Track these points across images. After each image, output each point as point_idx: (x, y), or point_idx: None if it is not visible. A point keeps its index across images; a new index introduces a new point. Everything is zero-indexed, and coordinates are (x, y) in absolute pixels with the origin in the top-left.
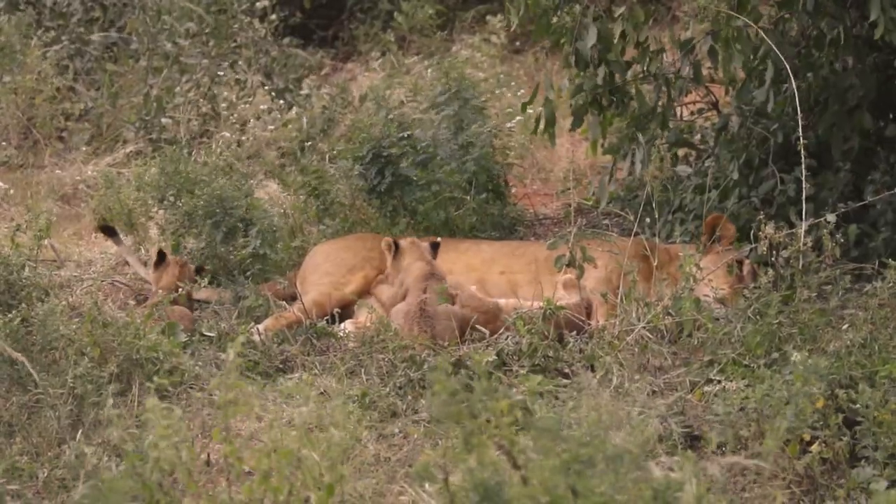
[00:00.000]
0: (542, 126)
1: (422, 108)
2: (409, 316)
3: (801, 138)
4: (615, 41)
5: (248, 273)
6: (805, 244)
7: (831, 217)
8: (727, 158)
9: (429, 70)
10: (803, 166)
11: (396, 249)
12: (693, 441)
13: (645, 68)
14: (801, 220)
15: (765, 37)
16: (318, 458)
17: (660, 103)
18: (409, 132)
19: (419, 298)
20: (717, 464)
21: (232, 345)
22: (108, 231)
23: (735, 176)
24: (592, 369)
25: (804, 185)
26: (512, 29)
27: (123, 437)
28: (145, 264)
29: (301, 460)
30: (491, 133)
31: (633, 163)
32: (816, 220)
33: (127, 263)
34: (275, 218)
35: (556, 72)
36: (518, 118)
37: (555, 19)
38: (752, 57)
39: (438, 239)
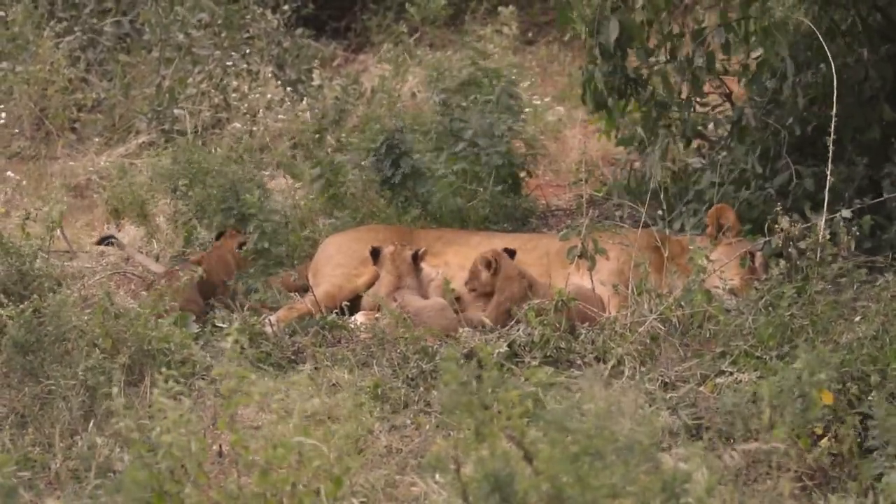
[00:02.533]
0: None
1: (436, 99)
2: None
3: (831, 131)
4: (638, 29)
5: (251, 270)
6: (823, 236)
7: (846, 213)
8: (741, 150)
9: (448, 62)
10: (830, 159)
11: (377, 256)
12: (704, 432)
13: (667, 56)
14: (818, 212)
15: (812, 26)
16: (325, 450)
17: (683, 90)
18: (420, 125)
19: (395, 304)
20: (731, 453)
21: (232, 333)
22: (106, 241)
23: (750, 167)
24: (604, 361)
25: (828, 179)
26: None
27: (130, 426)
28: (157, 259)
29: (306, 452)
30: (509, 124)
31: (647, 154)
32: (832, 216)
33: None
34: (286, 210)
35: (570, 63)
36: (528, 109)
37: (576, 12)
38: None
39: (423, 249)
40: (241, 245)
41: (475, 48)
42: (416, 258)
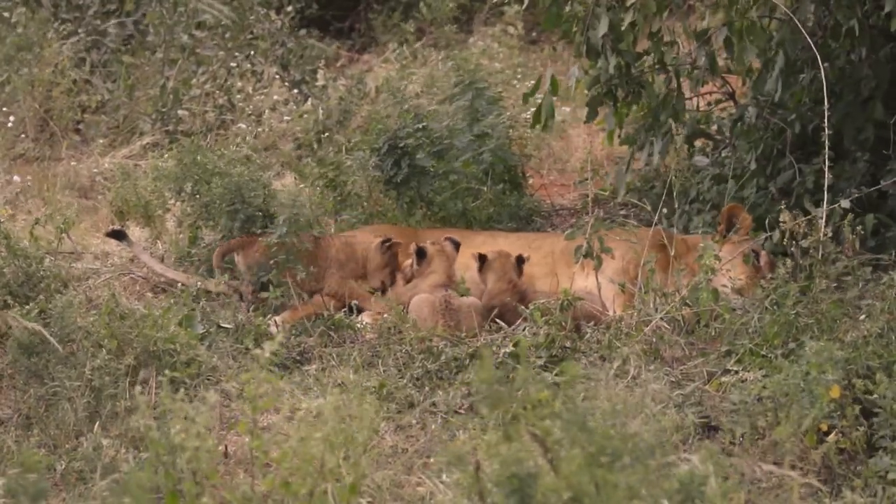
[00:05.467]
0: (542, 118)
1: (438, 99)
2: (434, 308)
3: (825, 128)
4: (624, 30)
5: (272, 261)
6: (825, 234)
7: (845, 203)
8: (744, 149)
9: (448, 62)
10: (826, 156)
11: (423, 256)
12: (710, 431)
13: (657, 60)
14: (819, 209)
15: (800, 18)
16: (337, 452)
17: (672, 94)
18: (424, 123)
19: (443, 294)
20: (744, 460)
21: (267, 341)
22: (117, 235)
23: (752, 166)
24: (609, 360)
25: (826, 175)
26: (524, 6)
27: (149, 425)
28: (162, 260)
29: (323, 455)
30: (507, 125)
31: (650, 153)
32: (832, 206)
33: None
34: (305, 208)
35: (571, 63)
36: (533, 109)
37: (567, 8)
38: (768, 47)
39: (455, 238)
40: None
41: (461, 57)
42: (458, 248)
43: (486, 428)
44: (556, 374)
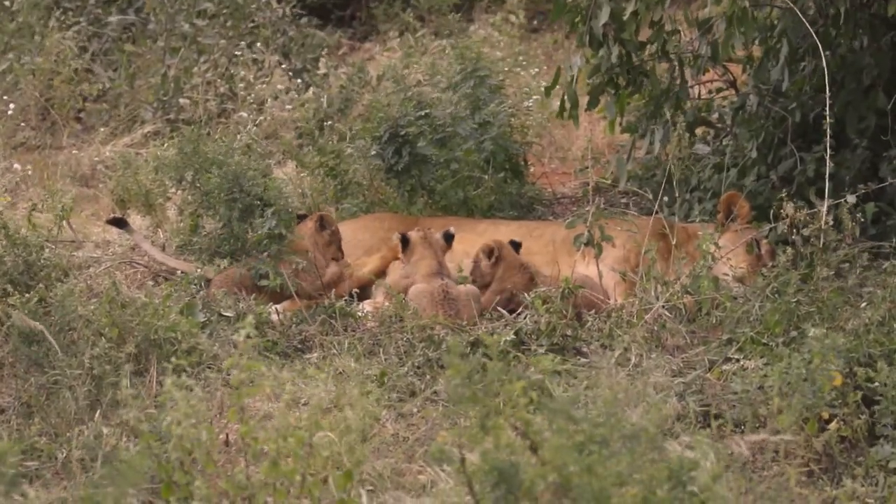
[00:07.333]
0: (567, 109)
1: (440, 87)
2: (433, 298)
3: (826, 116)
4: (626, 19)
5: (266, 253)
6: (826, 223)
7: (851, 198)
8: (745, 137)
9: (447, 50)
10: (827, 144)
11: (406, 243)
12: (712, 420)
13: (659, 48)
14: (821, 198)
15: (794, 9)
16: (335, 439)
17: (675, 83)
18: (426, 111)
19: (441, 283)
20: (740, 443)
21: (244, 324)
22: (118, 223)
23: (753, 155)
24: (611, 348)
25: (827, 164)
26: None
27: (139, 417)
28: (163, 248)
29: (316, 442)
30: (508, 112)
31: (651, 142)
32: (836, 202)
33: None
34: (290, 198)
35: (574, 52)
36: (535, 97)
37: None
38: (769, 35)
39: (452, 229)
40: (321, 224)
41: (463, 45)
42: (449, 238)
43: (468, 421)
44: (530, 369)
